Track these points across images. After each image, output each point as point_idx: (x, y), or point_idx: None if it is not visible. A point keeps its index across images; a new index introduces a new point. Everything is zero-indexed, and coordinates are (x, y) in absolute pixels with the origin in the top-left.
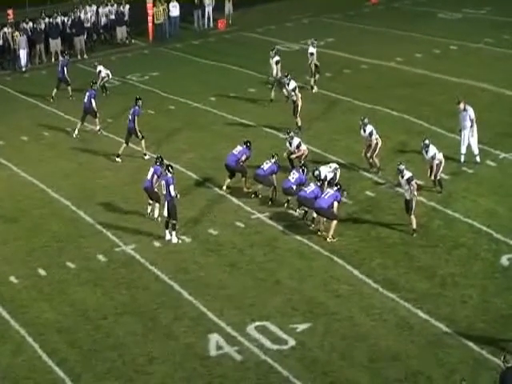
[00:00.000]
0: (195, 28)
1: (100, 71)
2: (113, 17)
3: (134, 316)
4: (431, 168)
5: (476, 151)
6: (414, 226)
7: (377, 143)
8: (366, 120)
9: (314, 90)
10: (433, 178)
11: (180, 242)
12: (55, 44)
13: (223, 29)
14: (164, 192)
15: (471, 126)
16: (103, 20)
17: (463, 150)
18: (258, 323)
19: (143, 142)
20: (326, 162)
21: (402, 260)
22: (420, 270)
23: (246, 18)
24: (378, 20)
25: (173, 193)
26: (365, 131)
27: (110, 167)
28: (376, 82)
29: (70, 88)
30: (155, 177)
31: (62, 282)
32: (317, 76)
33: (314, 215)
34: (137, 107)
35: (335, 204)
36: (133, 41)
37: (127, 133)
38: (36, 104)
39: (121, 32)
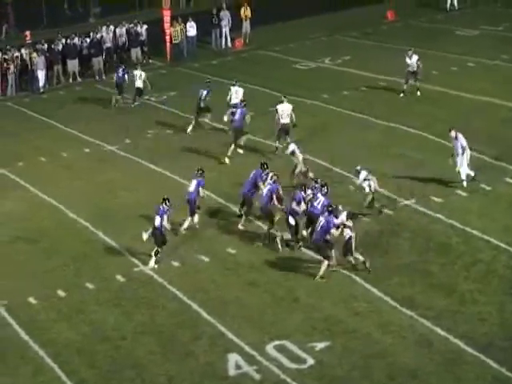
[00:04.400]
0: (213, 47)
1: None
2: (129, 37)
3: (152, 336)
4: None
5: (463, 176)
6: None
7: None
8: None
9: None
10: (366, 203)
11: (156, 267)
12: (73, 65)
13: (241, 48)
14: (156, 223)
15: (462, 154)
16: (120, 40)
17: (463, 175)
18: (276, 342)
19: (245, 137)
20: (339, 181)
21: (420, 277)
22: (438, 287)
23: (264, 37)
24: (395, 37)
25: (166, 225)
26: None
27: (128, 187)
28: (393, 99)
29: (120, 97)
30: (200, 188)
31: (81, 302)
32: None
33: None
34: (243, 108)
35: (333, 232)
36: (150, 61)
37: (234, 133)
38: (54, 125)
39: (135, 52)
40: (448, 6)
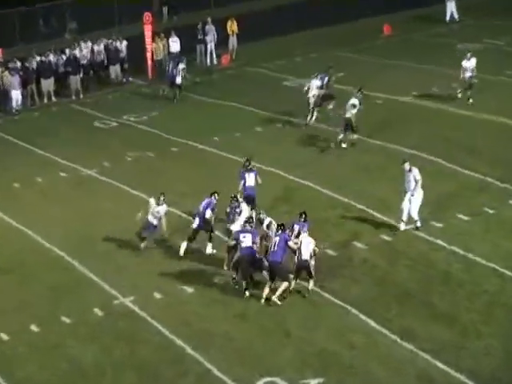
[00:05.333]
0: (197, 64)
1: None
2: (108, 54)
3: (134, 372)
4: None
5: (415, 216)
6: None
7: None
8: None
9: (470, 101)
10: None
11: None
12: (48, 84)
13: (227, 64)
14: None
15: (414, 189)
16: (99, 57)
17: (404, 215)
18: (267, 379)
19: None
20: (333, 206)
21: (420, 308)
22: (439, 318)
23: (252, 53)
24: (392, 52)
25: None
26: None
27: (107, 214)
28: (390, 118)
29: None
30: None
31: (57, 337)
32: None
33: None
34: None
35: (291, 244)
36: (130, 79)
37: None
38: (28, 148)
39: (114, 70)
40: (448, 17)
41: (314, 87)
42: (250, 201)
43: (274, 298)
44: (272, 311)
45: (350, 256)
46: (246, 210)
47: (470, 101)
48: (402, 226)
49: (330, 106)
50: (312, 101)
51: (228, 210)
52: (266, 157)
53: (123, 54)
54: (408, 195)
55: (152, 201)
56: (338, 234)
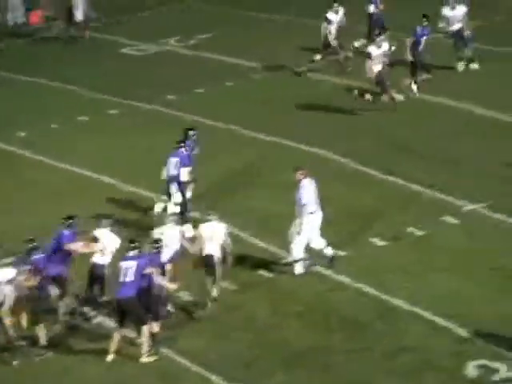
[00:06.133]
0: None
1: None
2: None
3: None
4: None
5: (322, 244)
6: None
7: None
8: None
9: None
10: None
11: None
12: None
13: (40, 23)
14: None
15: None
16: None
17: (296, 251)
18: None
19: None
20: None
21: (320, 372)
22: None
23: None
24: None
25: None
26: None
27: None
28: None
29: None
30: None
31: None
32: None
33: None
34: None
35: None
36: None
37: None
38: None
39: None
40: None
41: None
42: None
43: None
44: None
45: (217, 302)
46: None
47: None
48: (298, 269)
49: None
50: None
51: None
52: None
53: None
54: (297, 221)
55: None
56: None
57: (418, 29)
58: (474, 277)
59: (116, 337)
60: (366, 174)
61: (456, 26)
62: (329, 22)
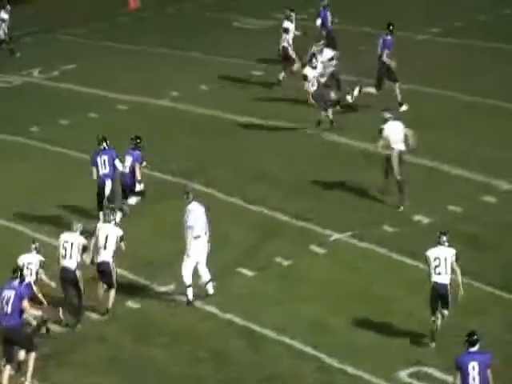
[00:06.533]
0: None
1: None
2: None
3: None
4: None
5: (206, 275)
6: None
7: None
8: None
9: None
10: None
11: None
12: None
13: None
14: None
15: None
16: None
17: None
18: None
19: None
20: None
21: None
22: None
23: None
24: (140, 35)
25: None
26: None
27: None
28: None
29: None
30: None
31: None
32: None
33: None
34: None
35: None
36: None
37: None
38: None
39: None
40: None
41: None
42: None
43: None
44: None
45: (84, 333)
46: None
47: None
48: (190, 296)
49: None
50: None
51: None
52: None
53: None
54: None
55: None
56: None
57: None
58: (341, 305)
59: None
60: (231, 204)
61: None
62: (285, 30)
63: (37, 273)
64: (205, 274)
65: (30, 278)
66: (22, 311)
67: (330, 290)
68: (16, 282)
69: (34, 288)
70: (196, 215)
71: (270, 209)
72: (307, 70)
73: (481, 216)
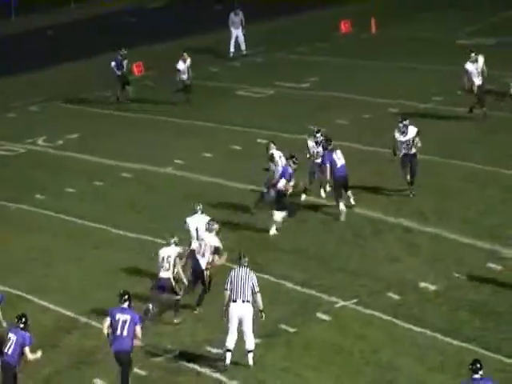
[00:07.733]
0: None
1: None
2: None
3: None
4: None
5: (248, 344)
6: None
7: None
8: None
9: None
10: None
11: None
12: None
13: None
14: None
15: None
16: None
17: None
18: None
19: None
20: None
21: None
22: None
23: None
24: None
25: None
26: None
27: None
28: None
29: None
30: None
31: None
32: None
33: None
34: None
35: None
36: None
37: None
38: None
39: None
40: (231, 50)
41: None
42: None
43: None
44: None
45: None
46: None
47: None
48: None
49: None
50: None
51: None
52: None
53: None
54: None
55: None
56: None
57: None
58: (346, 373)
59: None
60: None
61: None
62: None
63: (174, 264)
64: (247, 342)
65: (170, 271)
66: (134, 337)
67: (336, 358)
68: (126, 306)
69: None
70: (234, 279)
71: (275, 276)
72: None
73: (488, 283)
